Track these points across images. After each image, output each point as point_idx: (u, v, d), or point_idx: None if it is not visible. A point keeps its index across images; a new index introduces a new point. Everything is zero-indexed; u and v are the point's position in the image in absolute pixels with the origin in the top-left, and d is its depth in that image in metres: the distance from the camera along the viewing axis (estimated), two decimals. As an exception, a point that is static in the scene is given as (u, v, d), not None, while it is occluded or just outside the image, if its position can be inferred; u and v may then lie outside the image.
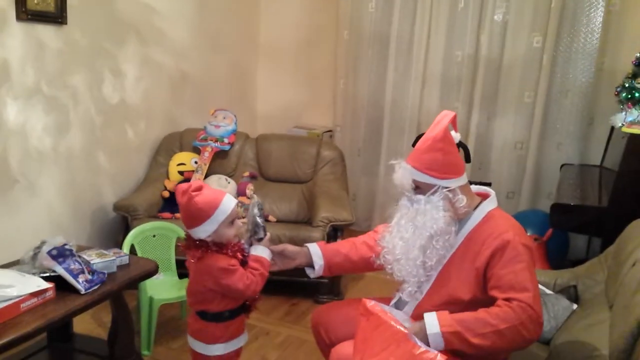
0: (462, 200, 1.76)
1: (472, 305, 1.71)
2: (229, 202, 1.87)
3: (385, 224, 2.02)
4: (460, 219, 1.80)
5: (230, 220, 1.88)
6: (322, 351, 2.08)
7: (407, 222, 1.80)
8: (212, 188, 1.92)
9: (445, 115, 1.80)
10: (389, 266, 1.87)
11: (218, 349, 1.95)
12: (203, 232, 1.85)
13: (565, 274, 2.44)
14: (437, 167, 1.74)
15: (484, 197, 1.87)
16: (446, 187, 1.75)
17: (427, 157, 1.74)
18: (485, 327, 1.60)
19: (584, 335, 1.91)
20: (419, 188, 1.77)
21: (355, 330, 1.77)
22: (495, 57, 4.14)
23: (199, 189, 1.85)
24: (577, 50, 3.92)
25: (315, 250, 2.04)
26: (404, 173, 1.77)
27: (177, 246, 2.95)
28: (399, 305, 1.92)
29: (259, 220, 1.97)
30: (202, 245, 1.87)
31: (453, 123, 1.83)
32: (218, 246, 1.88)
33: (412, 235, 1.77)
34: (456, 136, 1.82)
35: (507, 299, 1.63)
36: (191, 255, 1.88)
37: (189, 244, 1.90)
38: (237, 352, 2.03)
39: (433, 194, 1.75)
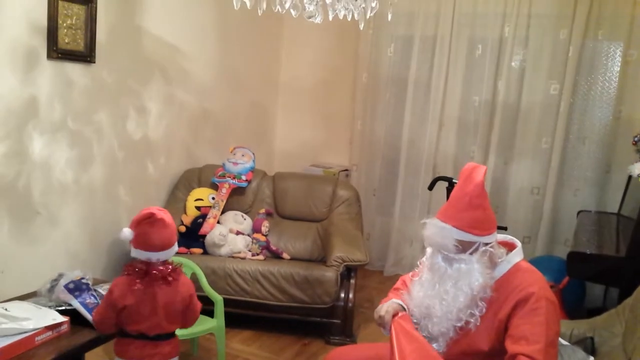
0: (501, 254, 1.78)
1: (490, 356, 1.71)
2: None
3: (412, 273, 2.02)
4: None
5: None
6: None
7: (445, 282, 1.75)
8: None
9: (476, 168, 1.77)
10: (418, 324, 1.84)
11: None
12: (175, 250, 2.05)
13: (582, 325, 2.40)
14: (478, 224, 1.72)
15: (509, 246, 1.86)
16: (487, 243, 1.74)
17: (467, 216, 1.71)
18: None
19: (600, 390, 1.87)
20: (458, 247, 1.74)
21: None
22: (512, 103, 4.18)
23: None
24: (595, 98, 3.96)
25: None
26: (444, 233, 1.72)
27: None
28: None
29: None
30: (175, 267, 2.03)
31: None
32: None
33: (453, 297, 1.73)
34: None
35: (515, 355, 1.61)
36: (173, 276, 2.00)
37: (166, 267, 1.99)
38: None
39: (474, 251, 1.73)
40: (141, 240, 1.97)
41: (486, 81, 4.23)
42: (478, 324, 1.73)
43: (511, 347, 1.65)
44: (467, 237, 1.72)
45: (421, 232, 1.82)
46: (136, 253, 2.00)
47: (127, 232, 1.97)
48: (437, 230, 1.74)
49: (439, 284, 1.77)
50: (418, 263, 1.96)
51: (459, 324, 1.74)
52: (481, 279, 1.70)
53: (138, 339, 1.99)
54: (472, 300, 1.72)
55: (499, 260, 1.76)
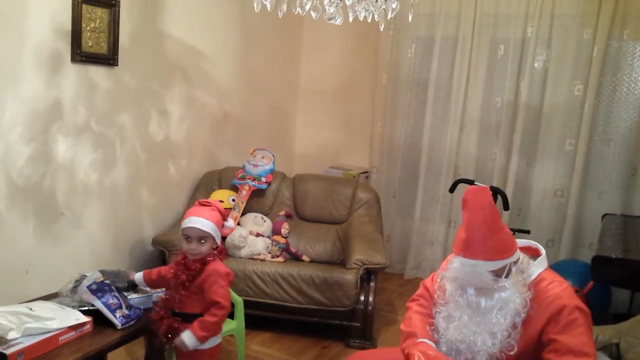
0: (528, 264, 1.74)
1: None
2: (189, 219, 2.19)
3: (431, 280, 1.97)
4: None
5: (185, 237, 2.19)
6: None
7: (488, 314, 1.70)
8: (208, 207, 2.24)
9: (479, 192, 1.71)
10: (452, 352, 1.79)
11: None
12: None
13: (607, 331, 2.36)
14: (505, 247, 1.68)
15: (532, 252, 1.83)
16: (515, 261, 1.71)
17: (493, 244, 1.66)
18: None
19: (626, 398, 1.83)
20: (494, 278, 1.69)
21: None
22: (535, 104, 4.12)
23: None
24: (620, 99, 3.88)
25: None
26: (478, 270, 1.66)
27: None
28: None
29: None
30: None
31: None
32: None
33: (501, 326, 1.68)
34: None
35: None
36: None
37: None
38: None
39: (508, 274, 1.69)
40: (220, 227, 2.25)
41: (508, 82, 4.18)
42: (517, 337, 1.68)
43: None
44: (500, 264, 1.67)
45: (449, 273, 1.76)
46: (219, 239, 2.25)
47: (232, 222, 2.39)
48: (469, 269, 1.68)
49: (482, 318, 1.71)
50: (439, 282, 1.88)
51: (511, 353, 1.69)
52: (519, 299, 1.67)
53: None
54: (515, 318, 1.68)
55: (529, 271, 1.72)
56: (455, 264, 1.70)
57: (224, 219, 2.25)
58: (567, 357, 1.59)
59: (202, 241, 2.15)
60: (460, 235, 1.71)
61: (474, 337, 1.70)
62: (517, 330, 1.68)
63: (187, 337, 2.09)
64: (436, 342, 1.81)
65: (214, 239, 2.18)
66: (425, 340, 1.78)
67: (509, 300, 1.67)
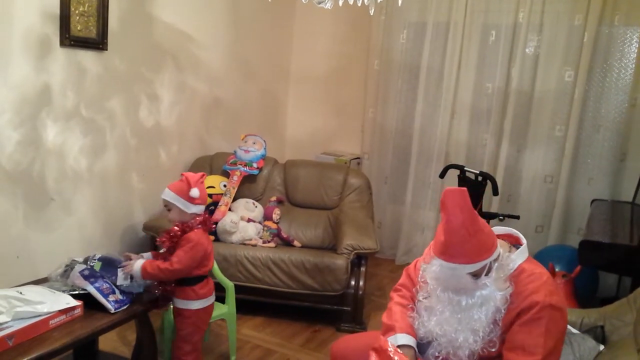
0: (508, 258, 1.73)
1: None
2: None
3: (414, 267, 1.97)
4: None
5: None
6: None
7: (470, 311, 1.70)
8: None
9: (455, 194, 1.65)
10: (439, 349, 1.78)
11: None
12: None
13: (593, 314, 2.39)
14: (484, 248, 1.65)
15: (512, 239, 1.83)
16: (496, 258, 1.69)
17: (472, 246, 1.63)
18: None
19: (610, 378, 1.86)
20: (473, 278, 1.69)
21: None
22: (526, 90, 4.13)
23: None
24: (610, 85, 3.89)
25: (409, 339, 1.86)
26: (457, 273, 1.66)
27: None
28: (422, 348, 1.88)
29: None
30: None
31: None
32: None
33: (482, 323, 1.68)
34: None
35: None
36: None
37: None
38: None
39: (488, 272, 1.68)
40: (203, 196, 2.40)
41: (499, 68, 4.18)
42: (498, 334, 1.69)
43: (507, 354, 1.64)
44: (479, 265, 1.66)
45: (427, 271, 1.77)
46: (198, 209, 2.40)
47: (196, 192, 2.35)
48: (448, 272, 1.67)
49: (464, 315, 1.71)
50: (422, 273, 1.87)
51: (493, 350, 1.69)
52: (500, 296, 1.67)
53: (206, 277, 2.45)
54: (496, 314, 1.68)
55: (510, 265, 1.71)
56: (435, 266, 1.70)
57: (190, 186, 2.36)
58: (515, 352, 1.61)
59: (168, 209, 2.40)
60: (439, 237, 1.68)
61: (456, 334, 1.70)
62: (498, 327, 1.68)
63: (136, 265, 2.28)
64: (415, 332, 1.83)
65: (178, 207, 2.36)
66: (405, 335, 1.81)
67: (490, 297, 1.67)
